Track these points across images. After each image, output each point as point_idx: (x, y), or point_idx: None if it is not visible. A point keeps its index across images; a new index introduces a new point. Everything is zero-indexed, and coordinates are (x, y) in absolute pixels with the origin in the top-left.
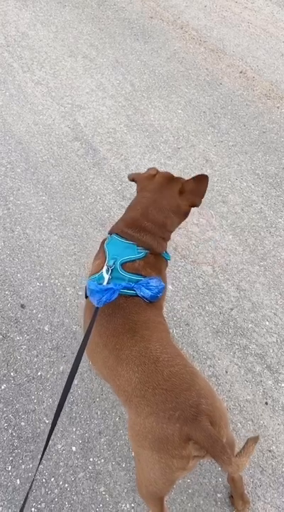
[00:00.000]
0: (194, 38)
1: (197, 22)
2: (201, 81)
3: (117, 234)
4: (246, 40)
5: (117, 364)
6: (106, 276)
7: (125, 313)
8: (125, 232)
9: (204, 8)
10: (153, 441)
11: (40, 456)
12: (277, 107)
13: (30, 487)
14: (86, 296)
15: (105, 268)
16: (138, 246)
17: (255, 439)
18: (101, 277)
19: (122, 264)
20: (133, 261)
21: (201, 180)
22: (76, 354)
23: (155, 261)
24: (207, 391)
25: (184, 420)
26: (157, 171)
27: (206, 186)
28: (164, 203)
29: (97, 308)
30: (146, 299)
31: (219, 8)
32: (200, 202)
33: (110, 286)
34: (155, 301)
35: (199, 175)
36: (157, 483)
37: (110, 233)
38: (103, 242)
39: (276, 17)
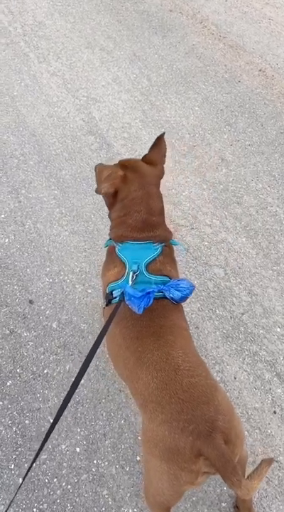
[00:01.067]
0: (214, 33)
1: (217, 17)
2: (219, 78)
3: (132, 240)
4: (266, 38)
5: (137, 367)
6: (130, 283)
7: (151, 316)
8: (139, 237)
9: (225, 2)
10: (163, 450)
11: (39, 453)
12: None
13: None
14: (107, 304)
15: (130, 275)
16: (153, 242)
17: (269, 462)
18: (125, 285)
19: (146, 267)
20: (154, 260)
21: (160, 142)
22: (87, 353)
23: (170, 251)
24: (226, 407)
25: (198, 435)
26: (121, 167)
27: (165, 143)
28: (154, 189)
29: (117, 307)
30: (175, 300)
31: (240, 3)
32: (165, 159)
33: (147, 290)
34: (183, 302)
35: (156, 139)
36: (165, 494)
37: (118, 241)
38: (112, 250)
39: None
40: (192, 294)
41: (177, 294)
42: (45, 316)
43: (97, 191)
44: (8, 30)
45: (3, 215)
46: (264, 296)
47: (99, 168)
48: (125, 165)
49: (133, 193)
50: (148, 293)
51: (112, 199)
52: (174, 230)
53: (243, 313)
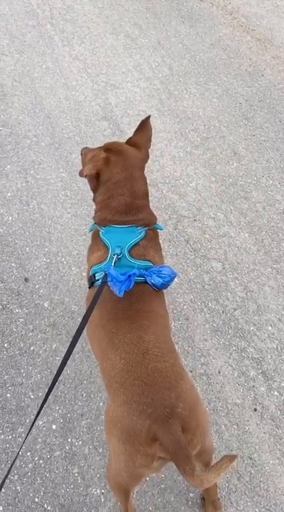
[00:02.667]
0: (243, 25)
1: (248, 9)
2: (242, 71)
3: (115, 223)
4: None
5: (109, 347)
6: (112, 266)
7: (131, 300)
8: (123, 221)
9: None
10: (121, 430)
11: (24, 429)
12: None
13: (14, 461)
14: (90, 287)
15: (114, 258)
16: (137, 226)
17: (231, 458)
18: (108, 267)
19: (129, 251)
20: (137, 244)
21: (146, 126)
22: (73, 334)
23: (155, 235)
24: (189, 396)
25: (155, 419)
26: (105, 150)
27: (151, 127)
28: (138, 172)
29: (100, 290)
30: (156, 286)
31: None
32: (150, 143)
33: (128, 273)
34: (164, 289)
35: (141, 123)
36: (122, 475)
37: (102, 224)
38: (96, 234)
39: None
40: (186, 285)
41: (158, 281)
42: (38, 295)
43: (80, 174)
44: (36, 12)
45: (9, 194)
46: (260, 293)
47: (85, 152)
48: (109, 148)
49: (116, 175)
50: (129, 276)
51: (96, 182)
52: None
53: (235, 309)
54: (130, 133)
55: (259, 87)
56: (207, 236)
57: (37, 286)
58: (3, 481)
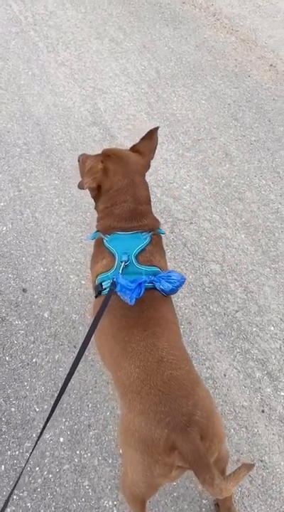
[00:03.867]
0: (226, 26)
1: (230, 10)
2: (228, 72)
3: (120, 230)
4: (279, 32)
5: (122, 356)
6: (120, 274)
7: (141, 307)
8: (128, 227)
9: None
10: (138, 440)
11: (30, 444)
12: None
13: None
14: (97, 296)
15: (121, 265)
16: (142, 232)
17: (248, 467)
18: (117, 276)
19: (136, 257)
20: (143, 250)
21: (152, 136)
22: (75, 344)
23: (159, 239)
24: (206, 403)
25: (174, 427)
26: (103, 158)
27: (157, 138)
28: (139, 178)
29: (108, 298)
30: (165, 292)
31: None
32: (154, 155)
33: (139, 281)
34: (172, 294)
35: (149, 132)
36: (139, 486)
37: (106, 232)
38: (100, 242)
39: None
40: (186, 289)
41: (167, 286)
42: (37, 305)
43: (80, 186)
44: (19, 19)
45: (2, 204)
46: (260, 293)
47: (83, 159)
48: (108, 154)
49: (117, 183)
50: (140, 284)
51: (97, 191)
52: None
53: (237, 311)
54: (120, 137)
55: (246, 88)
56: (204, 238)
57: (35, 296)
58: (8, 499)
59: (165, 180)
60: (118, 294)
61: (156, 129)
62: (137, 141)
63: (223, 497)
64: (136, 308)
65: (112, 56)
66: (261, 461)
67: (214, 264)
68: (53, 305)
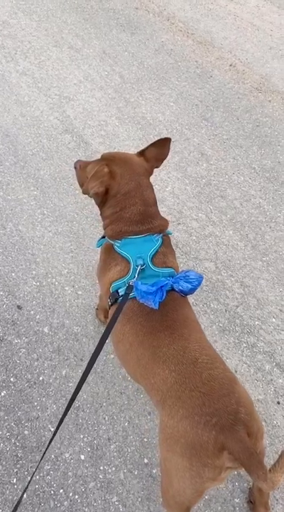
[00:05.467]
0: (182, 29)
1: (183, 14)
2: (191, 73)
3: (132, 234)
4: (233, 33)
5: (153, 362)
6: (136, 277)
7: (164, 310)
8: (139, 230)
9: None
10: (185, 446)
11: (38, 465)
12: (269, 101)
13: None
14: (113, 304)
15: (137, 270)
16: (153, 234)
17: None
18: (135, 282)
19: (151, 260)
20: (157, 252)
21: (162, 145)
22: (82, 357)
23: (168, 240)
24: (247, 399)
25: (221, 428)
26: (106, 162)
27: (169, 149)
28: (145, 180)
29: (122, 304)
30: (184, 292)
31: (204, 0)
32: (161, 164)
33: (160, 284)
34: (191, 294)
35: (159, 140)
36: (186, 493)
37: (116, 238)
38: (109, 249)
39: (262, 10)
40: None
41: (186, 286)
42: (35, 321)
43: (85, 192)
44: None
45: None
46: (256, 287)
47: (82, 165)
48: (110, 159)
49: (125, 186)
50: (161, 287)
51: (103, 197)
52: None
53: (237, 306)
54: (95, 144)
55: (211, 88)
56: (194, 238)
57: (32, 312)
58: None
59: None
60: (141, 300)
61: (168, 139)
62: (111, 147)
63: (274, 489)
64: (159, 312)
65: (74, 63)
66: None
67: (208, 263)
68: (52, 319)
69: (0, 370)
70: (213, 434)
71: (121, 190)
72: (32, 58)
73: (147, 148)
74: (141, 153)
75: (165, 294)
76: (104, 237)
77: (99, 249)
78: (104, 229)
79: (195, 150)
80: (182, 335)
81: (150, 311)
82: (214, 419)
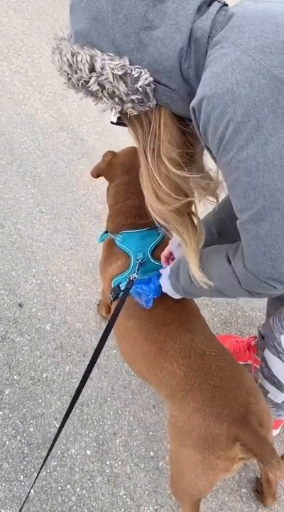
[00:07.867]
0: None
1: None
2: None
3: (132, 228)
4: None
5: (159, 357)
6: (136, 272)
7: (168, 305)
8: (138, 224)
9: None
10: (197, 439)
11: (45, 462)
12: None
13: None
14: (115, 299)
15: (137, 264)
16: (154, 228)
17: None
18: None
19: (152, 254)
20: (158, 246)
21: None
22: (84, 353)
23: (170, 234)
24: (256, 390)
25: (233, 419)
26: (113, 154)
27: None
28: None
29: (123, 299)
30: None
31: None
32: None
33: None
34: None
35: None
36: (197, 485)
37: (117, 232)
38: (111, 243)
39: None
40: None
41: None
42: (37, 319)
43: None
44: None
45: None
46: None
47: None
48: (121, 151)
49: (124, 176)
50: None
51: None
52: None
53: (238, 298)
54: (91, 140)
55: None
56: None
57: (33, 309)
58: None
59: None
60: (135, 298)
61: None
62: (107, 143)
63: None
64: (163, 306)
65: None
66: None
67: None
68: (54, 316)
69: (3, 368)
70: (225, 425)
71: (120, 180)
72: (25, 56)
73: None
74: None
75: (159, 290)
76: (106, 232)
77: (101, 244)
78: (106, 222)
79: None
80: (188, 328)
81: (155, 305)
82: (226, 410)
